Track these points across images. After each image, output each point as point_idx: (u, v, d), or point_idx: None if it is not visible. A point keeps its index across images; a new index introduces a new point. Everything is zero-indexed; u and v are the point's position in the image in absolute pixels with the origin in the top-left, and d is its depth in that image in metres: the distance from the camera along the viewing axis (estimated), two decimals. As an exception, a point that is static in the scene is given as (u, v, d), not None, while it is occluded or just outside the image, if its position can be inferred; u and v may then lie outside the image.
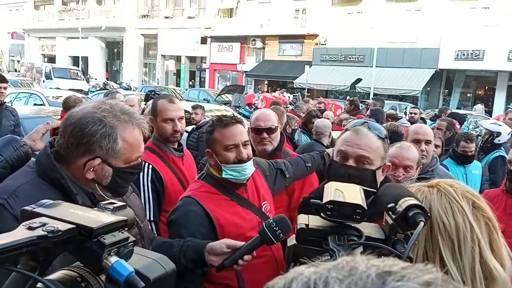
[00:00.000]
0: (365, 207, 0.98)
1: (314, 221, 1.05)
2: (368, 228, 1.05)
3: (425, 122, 8.38)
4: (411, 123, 7.60)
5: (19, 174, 1.42)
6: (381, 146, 1.75)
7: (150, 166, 2.61)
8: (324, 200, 1.00)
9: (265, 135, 2.76)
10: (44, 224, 0.64)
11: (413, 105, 9.94)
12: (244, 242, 1.61)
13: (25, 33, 45.54)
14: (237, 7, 31.45)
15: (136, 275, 0.66)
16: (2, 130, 4.97)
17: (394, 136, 4.69)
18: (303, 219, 1.06)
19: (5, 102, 5.25)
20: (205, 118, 6.85)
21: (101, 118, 1.36)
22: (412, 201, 0.99)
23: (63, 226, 0.64)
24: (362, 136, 1.74)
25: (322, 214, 1.01)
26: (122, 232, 0.69)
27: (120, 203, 0.75)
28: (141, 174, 2.58)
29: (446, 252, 1.07)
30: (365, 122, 1.86)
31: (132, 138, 1.41)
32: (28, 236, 0.61)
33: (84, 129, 1.34)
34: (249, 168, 2.05)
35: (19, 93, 12.94)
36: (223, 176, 2.01)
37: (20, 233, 0.62)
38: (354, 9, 26.16)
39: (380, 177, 1.76)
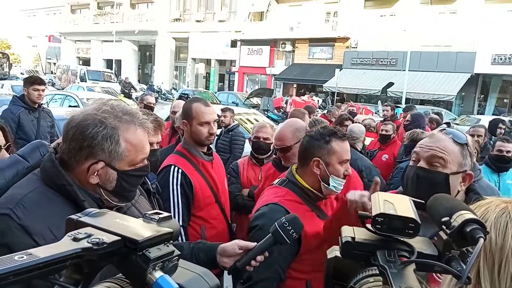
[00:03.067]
0: (419, 221, 0.92)
1: (360, 234, 0.99)
2: (419, 243, 0.97)
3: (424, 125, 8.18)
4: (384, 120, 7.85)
5: (24, 182, 1.36)
6: (459, 151, 1.64)
7: (180, 170, 2.61)
8: (374, 213, 0.94)
9: (280, 154, 2.82)
10: (89, 235, 0.62)
11: (386, 103, 9.90)
12: (256, 243, 1.57)
13: (61, 36, 47.08)
14: (267, 10, 31.47)
15: (180, 291, 0.62)
16: (41, 130, 5.20)
17: (412, 145, 4.52)
18: (348, 232, 1.00)
19: (42, 103, 5.43)
20: (234, 122, 6.84)
21: (101, 119, 1.31)
22: (469, 215, 0.91)
23: (108, 238, 0.62)
24: (435, 139, 1.67)
25: (370, 227, 0.95)
26: (167, 246, 0.66)
27: (165, 214, 0.72)
28: (171, 178, 2.59)
29: (485, 271, 0.99)
30: (443, 129, 1.78)
31: (136, 139, 1.35)
32: (73, 248, 0.58)
33: (85, 132, 1.29)
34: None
35: (55, 94, 13.32)
36: (330, 186, 2.02)
37: (65, 245, 0.59)
38: (387, 11, 25.73)
39: (457, 186, 1.64)
